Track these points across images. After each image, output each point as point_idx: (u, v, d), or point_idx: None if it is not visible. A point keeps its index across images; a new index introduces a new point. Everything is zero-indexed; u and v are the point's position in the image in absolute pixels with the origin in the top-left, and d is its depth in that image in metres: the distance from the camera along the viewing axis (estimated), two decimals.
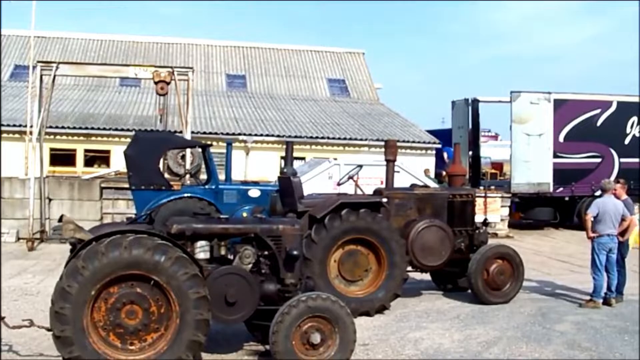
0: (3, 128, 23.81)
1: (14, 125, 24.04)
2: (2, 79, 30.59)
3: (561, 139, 23.42)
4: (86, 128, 25.19)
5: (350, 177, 12.79)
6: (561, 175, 23.21)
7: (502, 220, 21.89)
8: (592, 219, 11.66)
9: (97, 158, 26.25)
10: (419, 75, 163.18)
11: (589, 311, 11.29)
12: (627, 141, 23.96)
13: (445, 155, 28.31)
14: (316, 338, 7.27)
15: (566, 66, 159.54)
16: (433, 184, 17.86)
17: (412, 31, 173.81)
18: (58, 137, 24.64)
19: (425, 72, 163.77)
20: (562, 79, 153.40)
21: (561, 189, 23.38)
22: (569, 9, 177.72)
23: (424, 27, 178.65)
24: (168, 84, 18.36)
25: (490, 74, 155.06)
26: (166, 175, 17.48)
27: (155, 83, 18.49)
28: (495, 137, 48.93)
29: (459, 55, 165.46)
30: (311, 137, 26.34)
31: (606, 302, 11.69)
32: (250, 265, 7.71)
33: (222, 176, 15.58)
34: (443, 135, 28.51)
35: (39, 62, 19.21)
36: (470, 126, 26.47)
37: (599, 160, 23.69)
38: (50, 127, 22.02)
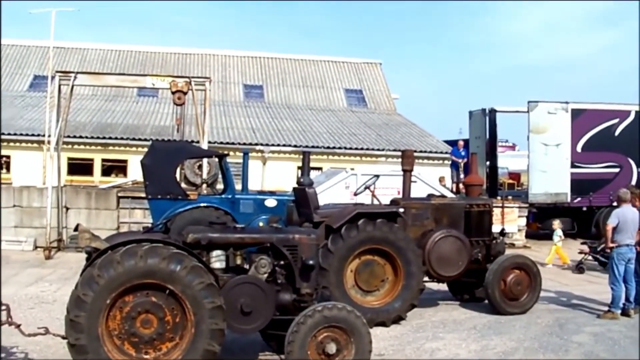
0: (22, 138, 24.26)
1: (33, 135, 24.29)
2: (22, 89, 31.19)
3: (579, 148, 23.25)
4: (104, 138, 25.37)
5: (367, 187, 12.77)
6: (579, 185, 23.04)
7: (519, 230, 21.76)
8: (612, 229, 11.56)
9: (115, 167, 26.42)
10: (436, 86, 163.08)
11: (607, 322, 11.18)
12: None
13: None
14: (332, 348, 7.22)
15: (582, 76, 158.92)
16: (448, 193, 17.78)
17: (429, 41, 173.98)
18: (76, 146, 24.81)
19: (442, 82, 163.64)
20: (578, 88, 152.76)
21: (579, 199, 23.20)
22: (585, 19, 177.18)
23: (441, 37, 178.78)
24: (185, 94, 18.43)
25: (507, 84, 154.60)
26: (183, 185, 17.55)
27: (173, 93, 18.57)
28: (513, 147, 48.75)
29: (476, 65, 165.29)
30: (328, 147, 26.35)
31: (625, 313, 11.56)
32: (266, 275, 7.68)
33: (238, 186, 15.62)
34: None
35: (57, 72, 19.32)
36: (487, 136, 26.38)
37: (617, 170, 23.48)
38: (68, 136, 22.19)
